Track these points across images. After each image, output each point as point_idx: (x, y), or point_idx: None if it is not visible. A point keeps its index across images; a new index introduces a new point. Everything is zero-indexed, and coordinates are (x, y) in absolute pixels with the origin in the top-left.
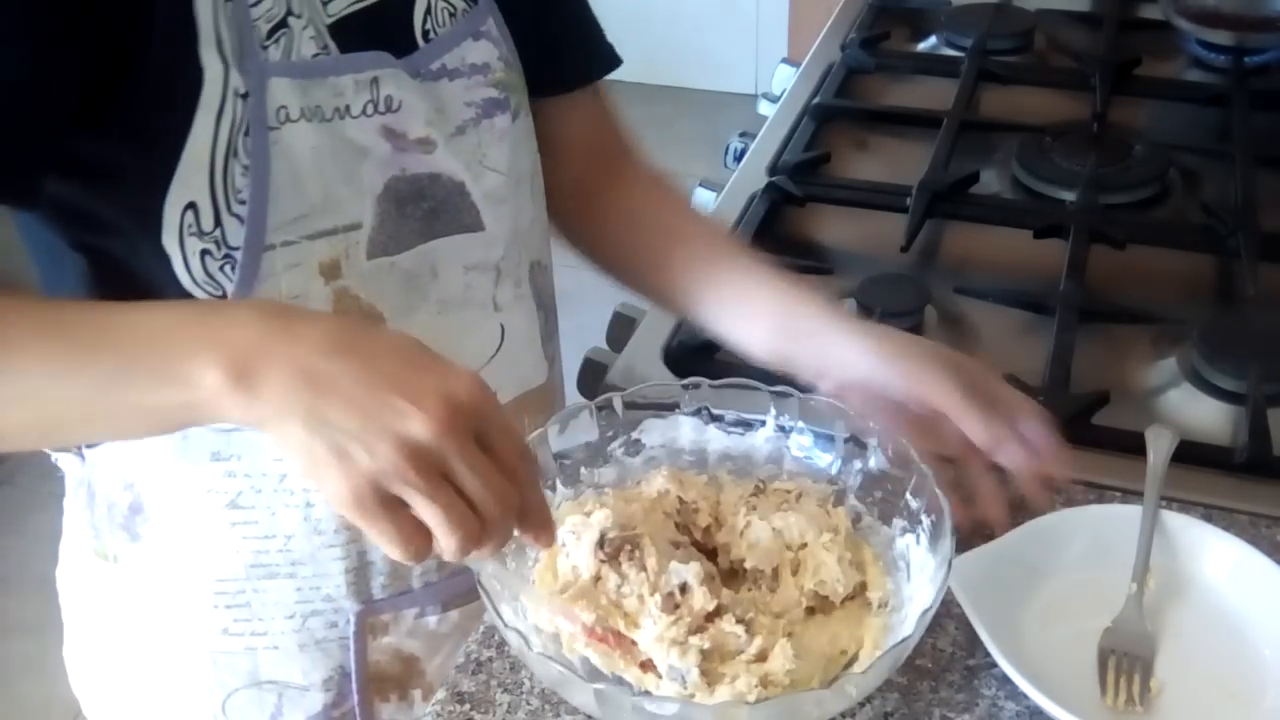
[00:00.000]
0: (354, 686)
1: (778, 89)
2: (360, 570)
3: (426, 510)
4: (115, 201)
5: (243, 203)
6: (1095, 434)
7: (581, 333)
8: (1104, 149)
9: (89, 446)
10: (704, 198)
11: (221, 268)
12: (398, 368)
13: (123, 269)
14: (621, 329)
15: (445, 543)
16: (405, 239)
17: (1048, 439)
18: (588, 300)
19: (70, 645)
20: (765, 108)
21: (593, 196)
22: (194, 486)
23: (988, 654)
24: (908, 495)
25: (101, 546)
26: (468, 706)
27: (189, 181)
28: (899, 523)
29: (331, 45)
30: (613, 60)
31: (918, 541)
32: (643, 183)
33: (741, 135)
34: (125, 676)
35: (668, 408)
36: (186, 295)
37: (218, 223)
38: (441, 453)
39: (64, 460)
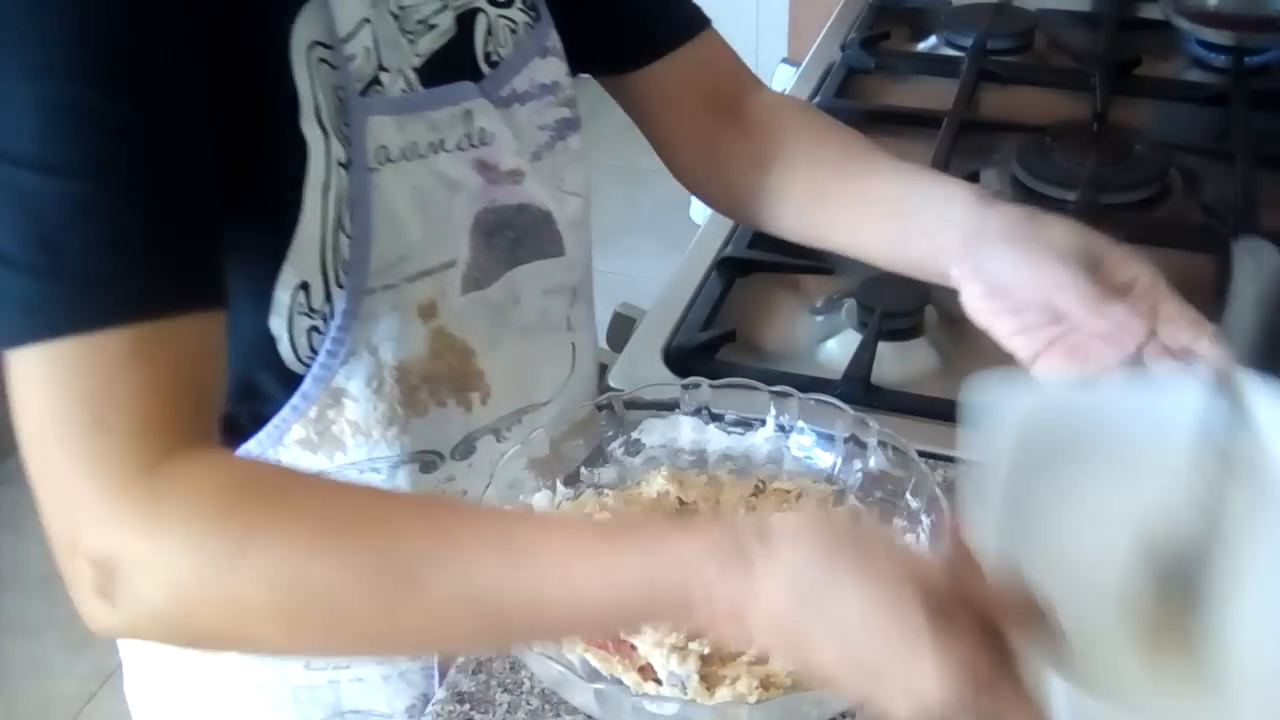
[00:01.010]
0: None
1: (778, 89)
2: None
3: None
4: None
5: (348, 273)
6: None
7: None
8: (1104, 149)
9: None
10: None
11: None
12: (881, 645)
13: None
14: (621, 329)
15: None
16: (493, 270)
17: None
18: None
19: (132, 682)
20: None
21: (716, 144)
22: None
23: None
24: (908, 495)
25: None
26: (468, 706)
27: (302, 261)
28: (899, 523)
29: (419, 89)
30: (700, 19)
31: (918, 541)
32: (768, 119)
33: None
34: (198, 714)
35: (668, 408)
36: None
37: (328, 298)
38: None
39: None
